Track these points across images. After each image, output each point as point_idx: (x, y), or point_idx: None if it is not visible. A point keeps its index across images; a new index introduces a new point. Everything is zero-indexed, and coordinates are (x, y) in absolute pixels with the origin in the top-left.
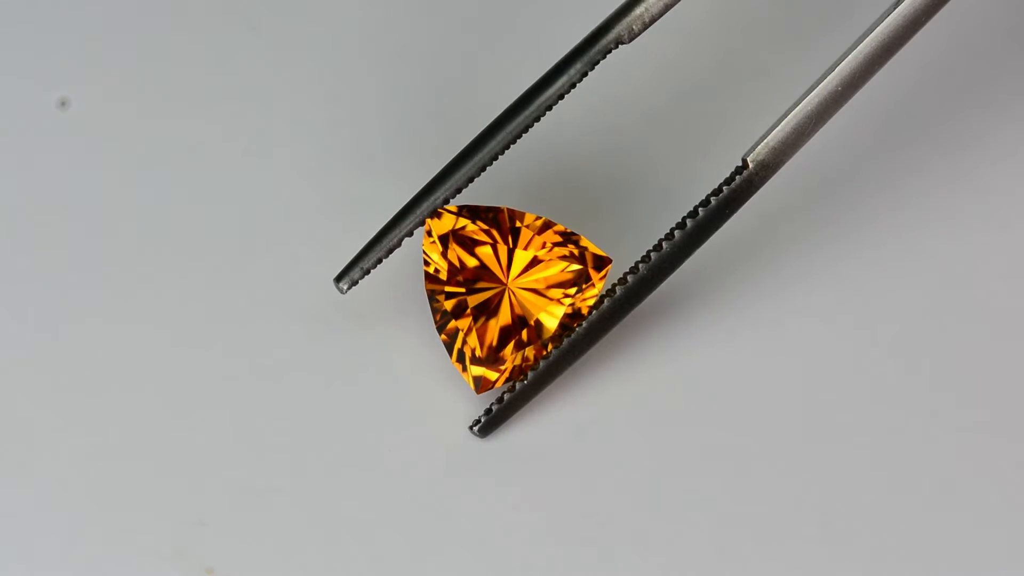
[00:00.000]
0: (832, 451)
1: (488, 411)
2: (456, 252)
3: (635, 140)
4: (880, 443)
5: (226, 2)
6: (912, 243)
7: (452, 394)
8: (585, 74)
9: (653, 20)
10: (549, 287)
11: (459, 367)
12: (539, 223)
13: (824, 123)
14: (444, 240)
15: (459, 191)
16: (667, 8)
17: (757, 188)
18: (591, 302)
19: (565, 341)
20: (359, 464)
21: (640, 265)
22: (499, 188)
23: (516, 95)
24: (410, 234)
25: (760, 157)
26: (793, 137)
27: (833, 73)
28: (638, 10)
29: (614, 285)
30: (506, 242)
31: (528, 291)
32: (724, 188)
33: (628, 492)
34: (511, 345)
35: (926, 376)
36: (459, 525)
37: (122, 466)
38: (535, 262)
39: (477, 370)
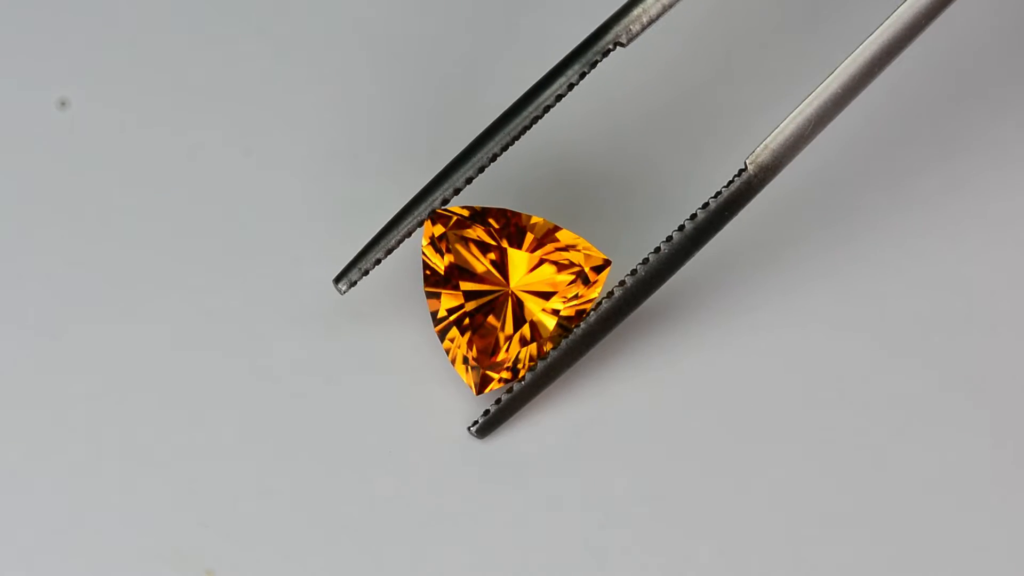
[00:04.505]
0: (833, 452)
1: (486, 412)
2: (456, 253)
3: (634, 141)
4: (881, 444)
5: (227, 2)
6: (912, 245)
7: (451, 395)
8: (584, 75)
9: (652, 21)
10: (548, 289)
11: (458, 368)
12: (539, 224)
13: (825, 126)
14: (443, 241)
15: (458, 192)
16: (665, 9)
17: (757, 191)
18: (590, 304)
19: (564, 343)
20: (358, 464)
21: (639, 268)
22: (497, 189)
23: (515, 96)
24: (409, 235)
25: (760, 160)
26: (793, 140)
27: (833, 76)
28: (636, 11)
29: (613, 288)
30: (510, 244)
31: (527, 293)
32: (724, 191)
33: (627, 493)
34: (510, 346)
35: (926, 378)
36: (457, 526)
37: (122, 467)
38: (535, 264)
39: (476, 371)
